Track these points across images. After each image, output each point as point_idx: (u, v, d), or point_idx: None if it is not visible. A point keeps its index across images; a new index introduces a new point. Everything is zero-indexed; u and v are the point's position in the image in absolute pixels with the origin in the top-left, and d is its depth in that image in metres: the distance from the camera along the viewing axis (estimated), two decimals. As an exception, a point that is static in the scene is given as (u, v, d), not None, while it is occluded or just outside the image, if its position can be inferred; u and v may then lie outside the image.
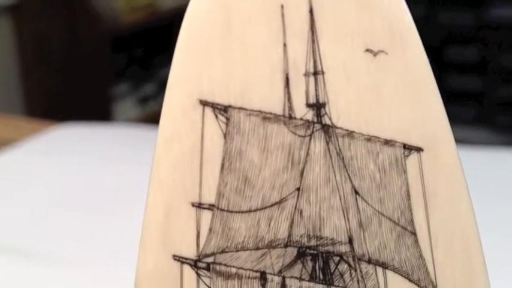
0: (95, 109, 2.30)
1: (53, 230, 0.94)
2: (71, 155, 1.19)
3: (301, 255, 0.41)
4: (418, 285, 0.42)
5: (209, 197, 0.41)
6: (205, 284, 0.42)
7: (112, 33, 2.27)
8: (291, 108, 0.41)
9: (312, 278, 0.41)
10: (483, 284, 0.43)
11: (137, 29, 2.39)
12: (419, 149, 0.41)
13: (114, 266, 0.80)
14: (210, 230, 0.41)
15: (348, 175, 0.41)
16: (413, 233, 0.42)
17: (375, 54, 0.41)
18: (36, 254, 0.85)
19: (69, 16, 2.27)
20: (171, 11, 2.32)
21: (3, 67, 2.22)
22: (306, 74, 0.41)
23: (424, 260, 0.42)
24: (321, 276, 0.41)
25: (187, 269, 0.42)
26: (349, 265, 0.41)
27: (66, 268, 0.82)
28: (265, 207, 0.41)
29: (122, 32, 2.35)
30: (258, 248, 0.41)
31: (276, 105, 0.41)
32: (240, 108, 0.41)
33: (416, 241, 0.42)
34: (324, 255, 0.41)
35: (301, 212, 0.41)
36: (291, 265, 0.41)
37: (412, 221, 0.42)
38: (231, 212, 0.41)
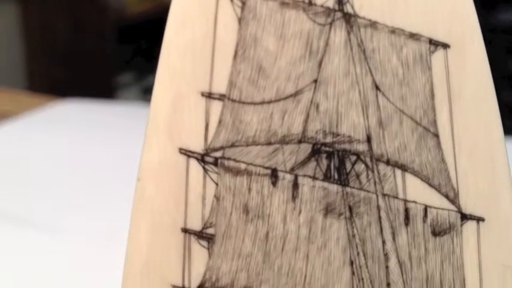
0: (98, 98, 2.28)
1: (53, 199, 0.93)
2: (72, 128, 1.18)
3: (315, 152, 0.39)
4: (439, 191, 0.39)
5: (220, 87, 0.39)
6: (212, 180, 0.39)
7: (118, 23, 2.26)
8: (310, -4, 0.38)
9: (326, 177, 0.39)
10: (508, 195, 0.40)
11: (143, 20, 2.37)
12: (446, 46, 0.39)
13: (112, 236, 0.78)
14: (220, 122, 0.39)
15: (369, 68, 0.38)
16: (436, 135, 0.39)
17: None
18: (36, 222, 0.84)
19: (75, 6, 2.26)
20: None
21: (8, 55, 2.21)
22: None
23: (446, 164, 0.39)
24: (336, 176, 0.39)
25: (193, 164, 0.39)
26: (366, 165, 0.39)
27: (65, 236, 0.81)
28: (280, 100, 0.38)
29: (128, 23, 2.33)
30: (269, 143, 0.38)
31: (295, -7, 0.38)
32: (257, -6, 0.38)
33: (438, 144, 0.39)
34: (340, 153, 0.39)
35: (317, 106, 0.38)
36: (304, 163, 0.39)
37: (435, 122, 0.39)
38: (243, 103, 0.38)
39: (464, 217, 0.40)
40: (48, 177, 1.00)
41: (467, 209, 0.40)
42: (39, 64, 2.28)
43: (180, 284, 0.40)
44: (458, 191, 0.39)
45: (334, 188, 0.39)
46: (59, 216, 0.87)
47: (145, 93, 2.41)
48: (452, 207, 0.40)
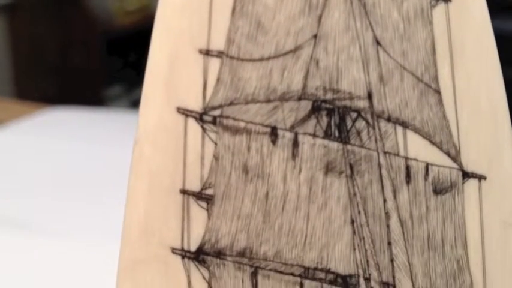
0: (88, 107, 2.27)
1: (41, 203, 0.92)
2: (62, 135, 1.18)
3: (315, 109, 0.38)
4: (440, 149, 0.39)
5: (218, 44, 0.38)
6: (211, 140, 0.38)
7: (106, 36, 2.25)
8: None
9: (327, 135, 0.38)
10: (510, 153, 0.40)
11: (131, 32, 2.37)
12: (447, 0, 0.38)
13: (106, 237, 0.77)
14: (218, 80, 0.38)
15: (370, 23, 0.38)
16: (438, 91, 0.39)
17: None
18: (28, 226, 0.84)
19: (63, 18, 2.25)
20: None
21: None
22: None
23: (447, 121, 0.39)
24: (336, 134, 0.38)
25: (192, 123, 0.38)
26: (367, 122, 0.38)
27: (55, 237, 0.80)
28: (279, 56, 0.38)
29: (116, 35, 2.33)
30: (269, 101, 0.38)
31: None
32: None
33: (440, 100, 0.39)
34: (341, 110, 0.38)
35: (317, 62, 0.38)
36: (304, 120, 0.38)
37: (436, 78, 0.39)
38: (242, 60, 0.38)
39: (466, 175, 0.39)
40: (40, 182, 1.00)
41: (469, 167, 0.39)
42: (28, 77, 2.27)
43: (179, 246, 0.39)
44: (460, 149, 0.39)
45: (334, 145, 0.38)
46: (52, 218, 0.87)
47: (135, 106, 2.40)
48: (453, 165, 0.39)
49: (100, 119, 1.35)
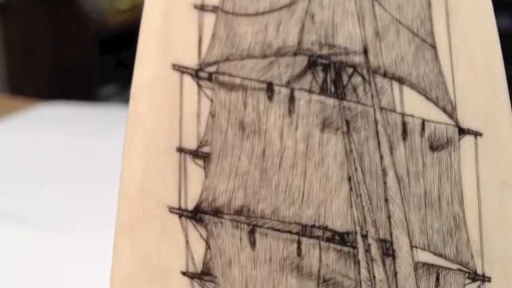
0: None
1: (35, 197, 0.92)
2: (56, 129, 1.18)
3: (311, 64, 0.38)
4: (436, 104, 0.39)
5: (213, -1, 0.38)
6: (207, 96, 0.38)
7: (99, 35, 2.25)
8: None
9: (323, 90, 0.38)
10: (506, 110, 0.40)
11: (124, 31, 2.36)
12: (440, -45, 0.38)
13: (99, 230, 0.77)
14: (213, 35, 0.38)
15: (364, -22, 0.38)
16: (433, 46, 0.39)
17: None
18: (22, 219, 0.83)
19: (56, 18, 2.25)
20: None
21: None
22: None
23: (443, 77, 0.39)
24: (332, 89, 0.38)
25: (187, 80, 0.38)
26: (363, 78, 0.38)
27: (48, 231, 0.80)
28: (274, 10, 0.38)
29: (109, 34, 2.33)
30: (265, 56, 0.38)
31: None
32: None
33: (436, 56, 0.39)
34: (337, 65, 0.38)
35: (312, 16, 0.38)
36: (300, 76, 0.38)
37: (432, 33, 0.39)
38: (237, 14, 0.38)
39: (462, 131, 0.39)
40: (33, 176, 1.00)
41: (465, 124, 0.39)
42: (21, 77, 2.26)
43: (176, 205, 0.39)
44: (456, 105, 0.39)
45: (330, 101, 0.38)
46: (46, 211, 0.87)
47: (128, 104, 2.39)
48: (449, 121, 0.39)
49: (93, 114, 1.34)
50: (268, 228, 0.39)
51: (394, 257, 0.39)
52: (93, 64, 2.30)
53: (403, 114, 0.39)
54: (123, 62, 2.43)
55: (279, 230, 0.39)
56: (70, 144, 1.12)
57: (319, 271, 0.39)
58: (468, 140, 0.40)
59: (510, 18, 2.02)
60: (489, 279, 0.40)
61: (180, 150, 0.39)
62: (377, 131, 0.39)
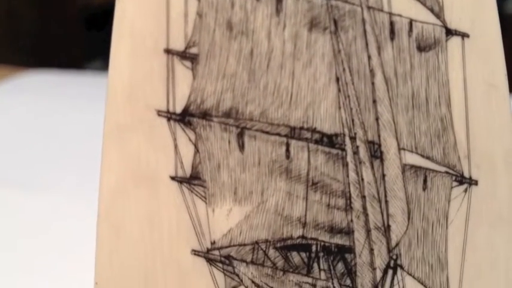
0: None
1: (22, 160, 0.92)
2: (40, 97, 1.17)
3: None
4: (424, 5, 0.39)
5: None
6: None
7: (85, 10, 2.24)
8: None
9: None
10: (493, 12, 0.40)
11: (110, 7, 2.35)
12: None
13: (83, 189, 0.77)
14: None
15: None
16: None
17: None
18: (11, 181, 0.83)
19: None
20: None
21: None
22: None
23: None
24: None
25: None
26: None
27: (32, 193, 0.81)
28: None
29: (95, 10, 2.32)
30: None
31: None
32: None
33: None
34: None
35: None
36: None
37: None
38: None
39: (449, 32, 0.40)
40: (18, 142, 0.99)
41: (452, 24, 0.40)
42: (6, 53, 2.25)
43: (164, 108, 0.39)
44: (443, 5, 0.39)
45: (318, 0, 0.38)
46: (29, 174, 0.87)
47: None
48: (437, 21, 0.39)
49: (77, 82, 1.34)
50: (257, 130, 0.39)
51: (382, 159, 0.39)
52: (80, 40, 2.30)
53: (390, 14, 0.39)
54: (109, 37, 2.41)
55: (267, 133, 0.39)
56: (54, 111, 1.12)
57: (307, 174, 0.39)
58: (455, 41, 0.40)
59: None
60: (476, 182, 0.40)
61: (168, 51, 0.39)
62: (365, 31, 0.39)
